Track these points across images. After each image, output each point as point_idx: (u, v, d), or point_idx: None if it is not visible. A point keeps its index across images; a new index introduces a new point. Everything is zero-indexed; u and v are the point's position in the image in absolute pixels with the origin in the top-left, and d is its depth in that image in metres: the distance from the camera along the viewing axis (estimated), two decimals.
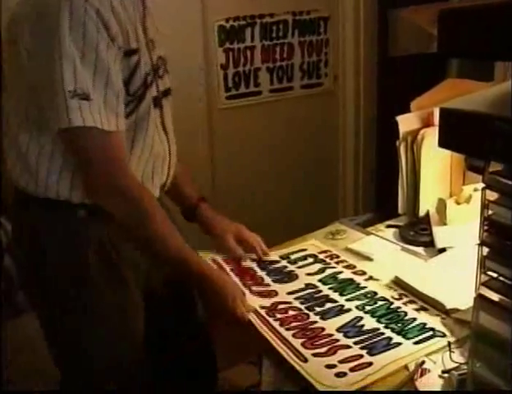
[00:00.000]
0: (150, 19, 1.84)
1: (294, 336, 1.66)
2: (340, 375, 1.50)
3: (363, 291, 1.86)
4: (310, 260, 2.08)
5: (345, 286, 1.90)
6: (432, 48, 3.39)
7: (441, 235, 2.15)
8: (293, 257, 2.11)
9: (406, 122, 2.26)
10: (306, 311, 1.78)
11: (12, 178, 1.75)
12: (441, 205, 2.24)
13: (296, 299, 1.85)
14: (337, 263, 2.05)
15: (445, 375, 1.47)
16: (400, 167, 2.29)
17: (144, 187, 1.77)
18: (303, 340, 1.64)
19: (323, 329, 1.69)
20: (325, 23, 3.79)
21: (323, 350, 1.60)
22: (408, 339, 1.61)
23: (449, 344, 1.55)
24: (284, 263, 2.08)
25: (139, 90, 1.71)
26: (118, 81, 1.63)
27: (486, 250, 1.29)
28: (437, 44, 1.20)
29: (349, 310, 1.77)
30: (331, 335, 1.66)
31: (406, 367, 1.52)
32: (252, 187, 3.66)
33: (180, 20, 3.31)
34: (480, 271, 1.30)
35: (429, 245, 2.14)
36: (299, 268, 2.04)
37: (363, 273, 1.97)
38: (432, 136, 2.16)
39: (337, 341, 1.63)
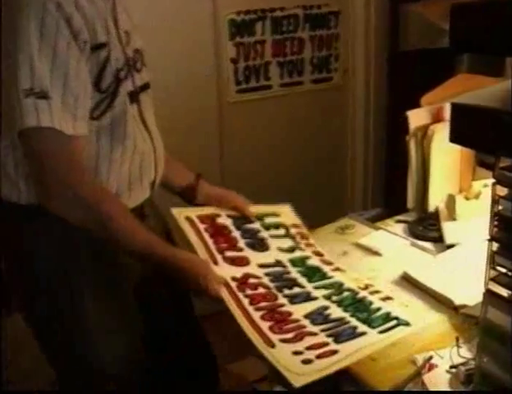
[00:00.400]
0: (122, 11, 1.76)
1: (262, 317, 1.64)
2: (306, 362, 1.49)
3: (329, 281, 1.84)
4: (282, 231, 2.05)
5: (312, 272, 1.88)
6: (443, 43, 3.38)
7: (450, 230, 2.15)
8: (267, 221, 2.08)
9: (416, 117, 2.26)
10: (275, 291, 1.76)
11: None
12: (451, 201, 2.24)
13: (266, 275, 1.82)
14: (307, 245, 2.02)
15: (453, 370, 1.48)
16: (409, 162, 2.28)
17: (104, 189, 1.68)
18: (270, 323, 1.62)
19: (290, 314, 1.68)
20: (335, 17, 3.78)
21: (290, 335, 1.59)
22: (373, 328, 1.61)
23: (456, 339, 1.55)
24: (258, 225, 2.05)
25: (110, 86, 1.64)
26: (80, 82, 1.55)
27: (495, 246, 1.29)
28: (449, 39, 1.20)
29: (316, 298, 1.75)
30: (298, 320, 1.65)
31: (414, 361, 1.53)
32: (261, 180, 3.65)
33: (190, 14, 3.32)
34: (489, 266, 1.31)
35: (438, 240, 2.14)
36: (272, 237, 2.01)
37: (331, 263, 1.94)
38: (442, 131, 2.16)
39: (304, 327, 1.62)
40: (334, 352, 1.51)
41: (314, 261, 1.94)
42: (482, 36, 1.14)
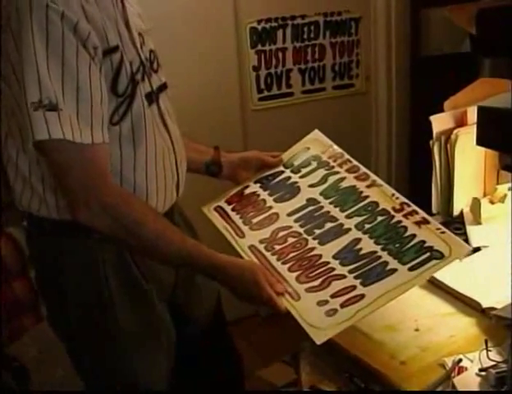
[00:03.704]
0: (133, 14, 1.75)
1: (289, 269, 1.68)
2: (330, 313, 1.52)
3: (363, 204, 1.83)
4: (314, 165, 2.04)
5: (346, 198, 1.86)
6: (465, 48, 3.38)
7: (475, 234, 2.15)
8: (296, 163, 2.08)
9: (440, 122, 2.26)
10: (305, 235, 1.78)
11: (23, 204, 1.69)
12: (476, 204, 2.24)
13: (296, 221, 1.84)
14: (340, 165, 2.00)
15: (483, 373, 1.48)
16: (433, 167, 2.29)
17: (130, 194, 1.65)
18: (298, 273, 1.66)
19: (320, 256, 1.70)
20: (356, 24, 3.79)
21: (317, 282, 1.62)
22: (404, 264, 1.59)
23: (486, 342, 1.55)
24: (288, 173, 2.06)
25: (127, 89, 1.60)
26: (93, 89, 1.51)
27: None
28: (474, 43, 1.21)
29: (348, 231, 1.75)
30: (327, 263, 1.67)
31: (443, 365, 1.53)
32: None
33: (212, 23, 3.35)
34: None
35: None
36: (302, 177, 2.01)
37: (367, 178, 1.92)
38: (465, 136, 2.16)
39: (333, 270, 1.64)
40: (360, 297, 1.54)
41: (349, 181, 1.93)
42: (507, 40, 1.15)
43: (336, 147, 2.09)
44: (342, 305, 1.53)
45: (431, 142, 2.26)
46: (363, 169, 1.96)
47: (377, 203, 1.81)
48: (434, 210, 2.35)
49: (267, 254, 1.75)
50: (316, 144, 2.14)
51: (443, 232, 1.65)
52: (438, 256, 1.58)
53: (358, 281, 1.59)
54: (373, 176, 1.92)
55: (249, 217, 1.91)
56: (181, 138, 1.88)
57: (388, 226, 1.73)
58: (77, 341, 1.77)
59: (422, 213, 1.75)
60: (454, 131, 2.22)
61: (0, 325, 2.51)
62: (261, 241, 1.80)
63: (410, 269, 1.57)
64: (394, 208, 1.78)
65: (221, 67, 3.43)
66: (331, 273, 1.64)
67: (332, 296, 1.57)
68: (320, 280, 1.62)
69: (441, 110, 2.31)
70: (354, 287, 1.57)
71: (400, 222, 1.73)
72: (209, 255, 1.64)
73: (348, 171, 1.97)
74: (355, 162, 1.99)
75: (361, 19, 3.80)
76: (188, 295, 1.96)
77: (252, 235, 1.83)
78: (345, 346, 1.64)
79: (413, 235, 1.67)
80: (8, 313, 2.59)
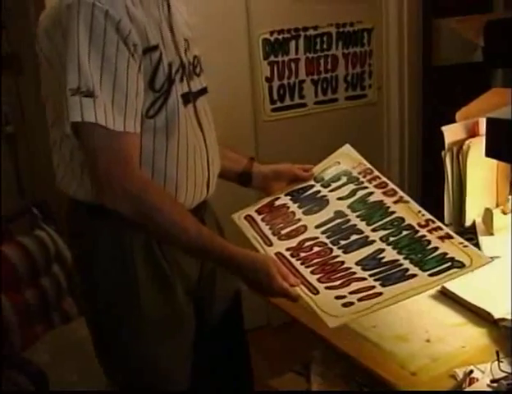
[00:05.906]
0: (180, 20, 1.86)
1: (312, 272, 1.69)
2: (346, 305, 1.54)
3: (389, 219, 1.84)
4: (343, 180, 2.06)
5: (373, 212, 1.88)
6: (477, 58, 3.38)
7: (487, 244, 2.14)
8: (327, 178, 2.09)
9: (452, 132, 2.26)
10: (330, 245, 1.79)
11: (62, 187, 1.80)
12: (488, 215, 2.24)
13: (323, 232, 1.86)
14: (370, 180, 2.02)
15: (494, 384, 1.47)
16: (445, 178, 2.29)
17: (152, 182, 1.71)
18: (320, 275, 1.67)
19: (343, 263, 1.71)
20: (368, 34, 3.80)
21: (337, 283, 1.63)
22: (424, 271, 1.61)
23: (497, 353, 1.55)
24: (318, 187, 2.07)
25: (163, 86, 1.69)
26: (130, 83, 1.61)
27: None
28: (484, 54, 1.21)
29: (372, 242, 1.77)
30: (348, 268, 1.68)
31: (454, 376, 1.53)
32: None
33: (225, 34, 3.37)
34: None
35: None
36: (332, 191, 2.03)
37: (394, 194, 1.94)
38: (477, 146, 2.16)
39: (354, 273, 1.66)
40: (377, 295, 1.55)
41: (376, 196, 1.95)
42: None
43: (365, 162, 2.11)
44: (360, 300, 1.55)
45: (443, 152, 2.26)
46: (392, 185, 1.98)
47: (402, 219, 1.83)
48: (446, 221, 2.34)
49: (292, 259, 1.76)
50: (346, 158, 2.16)
51: (466, 246, 1.67)
52: (459, 265, 1.60)
53: (378, 282, 1.60)
54: (401, 193, 1.94)
55: (278, 228, 1.92)
56: (216, 142, 1.95)
57: (412, 239, 1.75)
58: (101, 324, 1.85)
59: (447, 229, 1.76)
60: (466, 142, 2.22)
61: (1, 333, 2.53)
62: (287, 249, 1.81)
63: (430, 275, 1.59)
64: (419, 224, 1.79)
65: (234, 78, 3.44)
66: (352, 276, 1.65)
67: (351, 293, 1.58)
68: (340, 281, 1.64)
69: (453, 120, 2.30)
70: (373, 287, 1.59)
71: (423, 236, 1.75)
72: (223, 246, 1.68)
73: (376, 186, 2.00)
74: (384, 178, 2.02)
75: (373, 30, 3.81)
76: (210, 292, 2.00)
77: (279, 245, 1.85)
78: (355, 356, 1.64)
79: (436, 248, 1.69)
80: (20, 322, 2.60)
